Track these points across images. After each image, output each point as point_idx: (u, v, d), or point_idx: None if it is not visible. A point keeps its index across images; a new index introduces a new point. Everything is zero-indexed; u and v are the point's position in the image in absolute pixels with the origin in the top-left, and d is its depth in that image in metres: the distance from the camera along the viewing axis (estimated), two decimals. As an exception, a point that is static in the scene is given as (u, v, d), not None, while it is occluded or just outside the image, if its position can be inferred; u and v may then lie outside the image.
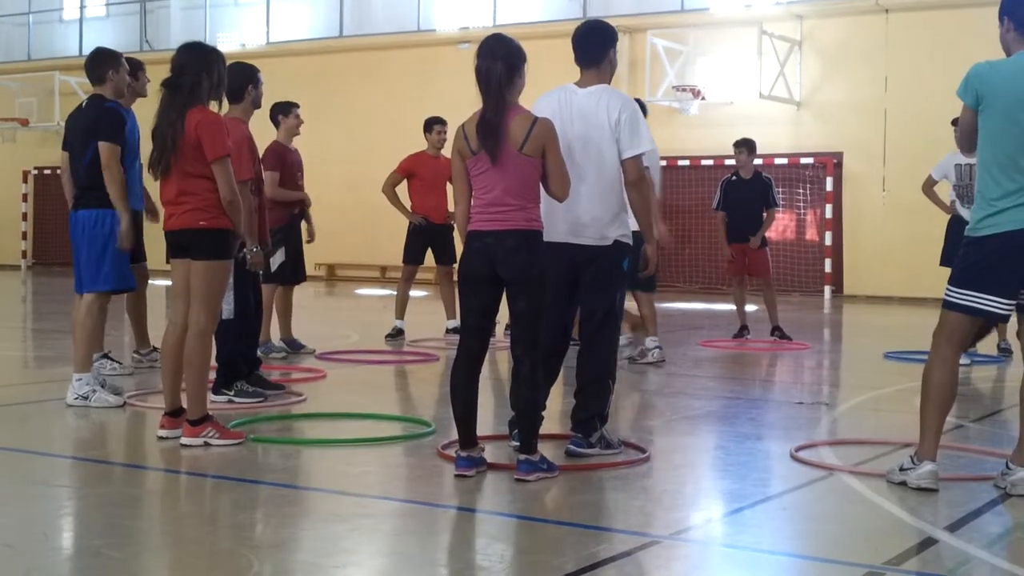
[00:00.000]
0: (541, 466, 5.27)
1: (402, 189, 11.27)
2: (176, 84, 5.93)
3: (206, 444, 5.85)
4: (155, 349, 8.82)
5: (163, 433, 6.02)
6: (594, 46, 5.91)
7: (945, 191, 10.58)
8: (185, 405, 5.99)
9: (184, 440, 5.88)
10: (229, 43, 24.07)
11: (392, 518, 4.79)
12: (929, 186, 10.64)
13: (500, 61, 5.25)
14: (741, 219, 11.48)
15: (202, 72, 5.96)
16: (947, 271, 5.29)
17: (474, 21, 22.32)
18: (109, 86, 7.30)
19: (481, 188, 5.31)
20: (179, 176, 5.93)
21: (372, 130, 22.58)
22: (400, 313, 11.22)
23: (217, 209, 5.95)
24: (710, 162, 19.45)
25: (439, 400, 8.16)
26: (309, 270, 10.71)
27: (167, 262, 6.11)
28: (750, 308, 12.12)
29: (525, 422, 5.32)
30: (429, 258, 11.31)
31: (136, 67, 8.23)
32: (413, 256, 11.22)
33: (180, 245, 5.99)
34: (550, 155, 5.27)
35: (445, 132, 11.08)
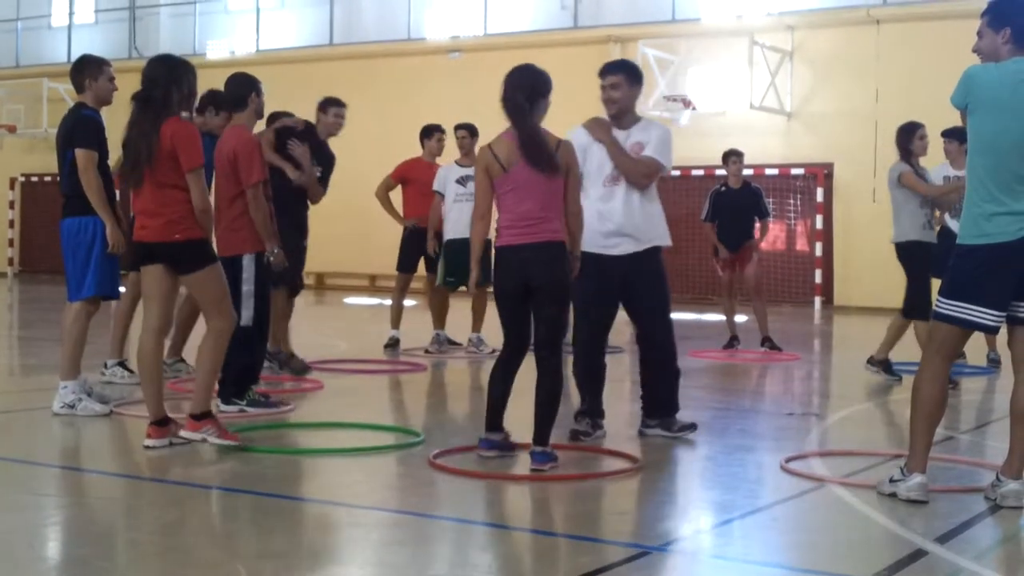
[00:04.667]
0: (554, 457, 5.59)
1: (395, 195, 11.27)
2: (146, 97, 6.02)
3: (204, 440, 5.91)
4: (181, 360, 8.78)
5: (150, 443, 5.99)
6: None
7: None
8: (170, 411, 6.04)
9: (184, 433, 5.96)
10: (219, 51, 24.05)
11: (381, 528, 4.76)
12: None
13: (523, 91, 5.64)
14: (733, 229, 11.48)
15: (172, 85, 6.04)
16: (937, 283, 5.28)
17: (464, 30, 22.33)
18: (89, 94, 7.28)
19: (511, 203, 5.68)
20: (153, 187, 6.00)
21: (362, 138, 22.50)
22: (396, 323, 11.20)
23: (190, 220, 6.02)
24: (700, 172, 19.46)
25: (428, 410, 8.15)
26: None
27: (130, 269, 6.16)
28: (740, 319, 12.12)
29: (544, 415, 5.62)
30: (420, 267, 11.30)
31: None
32: (407, 264, 11.19)
33: (152, 254, 6.06)
34: (571, 174, 5.71)
35: (444, 139, 11.11)
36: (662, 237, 6.55)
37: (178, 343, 8.79)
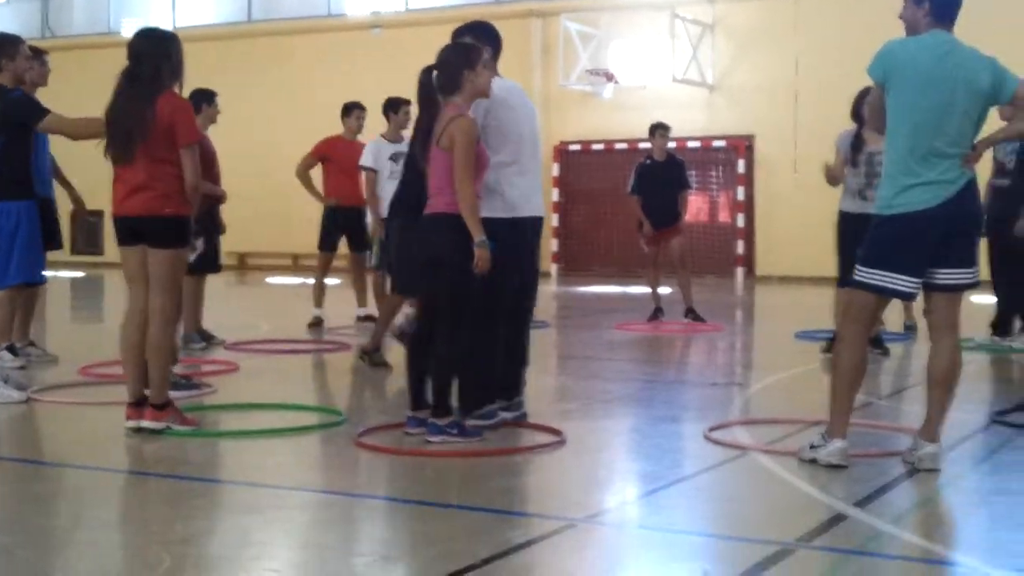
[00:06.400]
0: (449, 430, 5.62)
1: (316, 173, 11.18)
2: (135, 73, 5.88)
3: (168, 428, 5.83)
4: (32, 343, 8.57)
5: (132, 424, 5.90)
6: None
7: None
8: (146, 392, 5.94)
9: (146, 423, 5.84)
10: (134, 28, 23.60)
11: (306, 509, 4.73)
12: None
13: (433, 71, 5.77)
14: (658, 201, 11.52)
15: (161, 58, 5.92)
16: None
17: (385, 6, 22.17)
18: (7, 74, 7.10)
19: None
20: (145, 162, 5.85)
21: (283, 116, 22.31)
22: (318, 302, 11.16)
23: (180, 196, 5.90)
24: (624, 145, 19.56)
25: (351, 389, 8.12)
26: (220, 259, 10.54)
27: (118, 247, 6.00)
28: (664, 291, 12.21)
29: (435, 385, 5.70)
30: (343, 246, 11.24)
31: (36, 54, 8.00)
32: (329, 243, 11.18)
33: (136, 231, 5.91)
34: (456, 151, 5.59)
35: (363, 117, 11.07)
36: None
37: (26, 326, 8.59)
